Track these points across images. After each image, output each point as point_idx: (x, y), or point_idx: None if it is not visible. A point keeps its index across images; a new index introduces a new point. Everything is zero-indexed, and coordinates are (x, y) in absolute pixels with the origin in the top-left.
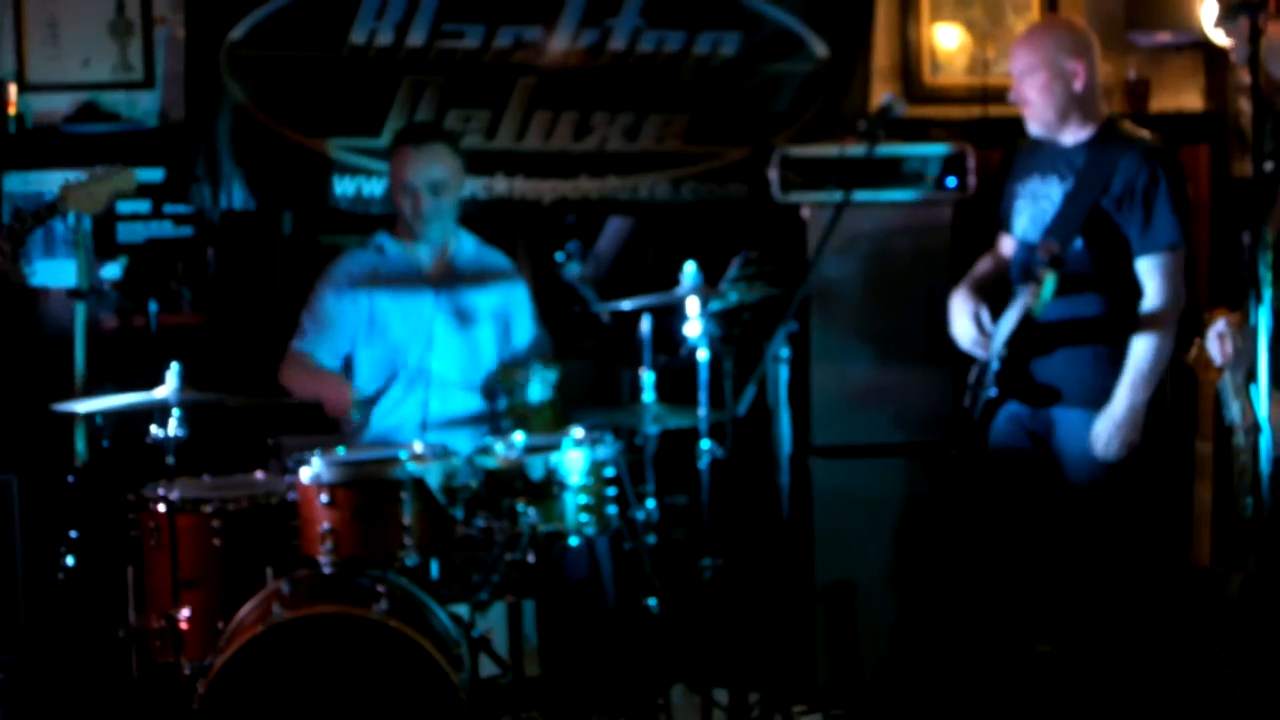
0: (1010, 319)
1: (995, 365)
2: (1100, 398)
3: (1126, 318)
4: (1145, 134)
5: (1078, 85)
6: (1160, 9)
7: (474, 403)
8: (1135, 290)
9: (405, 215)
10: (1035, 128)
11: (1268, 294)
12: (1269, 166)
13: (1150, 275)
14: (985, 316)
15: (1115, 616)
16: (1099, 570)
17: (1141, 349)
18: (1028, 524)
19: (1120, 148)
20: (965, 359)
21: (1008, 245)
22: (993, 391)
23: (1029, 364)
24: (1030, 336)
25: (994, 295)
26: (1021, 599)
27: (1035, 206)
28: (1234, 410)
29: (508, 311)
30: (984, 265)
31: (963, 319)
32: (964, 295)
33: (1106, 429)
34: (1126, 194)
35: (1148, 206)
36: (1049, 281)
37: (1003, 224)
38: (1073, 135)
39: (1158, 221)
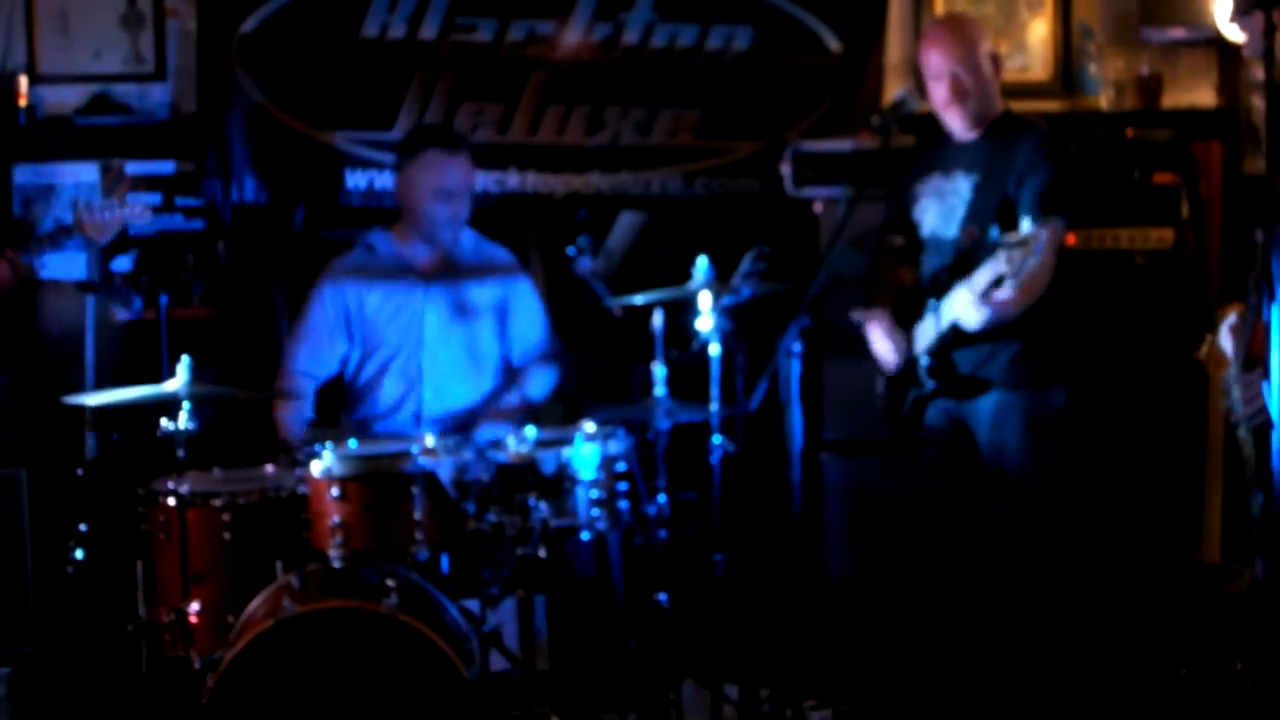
0: (943, 317)
1: (925, 361)
2: (1017, 379)
3: (1041, 305)
4: (1041, 122)
5: (984, 82)
6: (1173, 5)
7: (472, 397)
8: None
9: (426, 218)
10: (953, 125)
11: None
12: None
13: None
14: (899, 337)
15: (1082, 600)
16: (1037, 553)
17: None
18: (967, 509)
19: (1019, 134)
20: None
21: (897, 242)
22: (930, 385)
23: (951, 356)
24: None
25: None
26: (1011, 590)
27: (943, 204)
28: (1234, 397)
29: (507, 305)
30: (884, 276)
31: (882, 341)
32: (878, 319)
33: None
34: (1027, 170)
35: (1038, 180)
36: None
37: (898, 225)
38: (977, 129)
39: (1047, 194)
